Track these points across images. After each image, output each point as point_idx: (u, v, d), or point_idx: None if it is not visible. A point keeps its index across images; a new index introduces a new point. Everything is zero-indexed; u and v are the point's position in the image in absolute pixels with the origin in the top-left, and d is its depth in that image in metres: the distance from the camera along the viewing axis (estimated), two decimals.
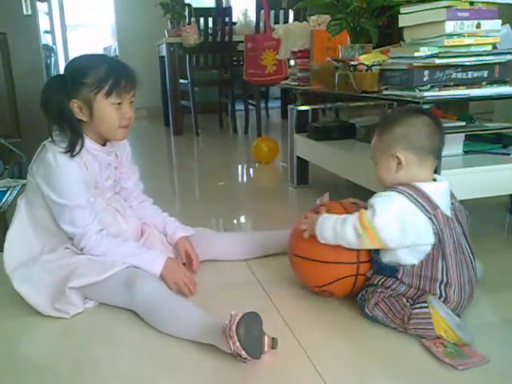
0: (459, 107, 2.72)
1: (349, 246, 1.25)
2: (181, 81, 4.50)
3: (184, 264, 1.58)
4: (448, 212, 1.23)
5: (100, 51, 6.21)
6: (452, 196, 1.28)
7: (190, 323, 1.23)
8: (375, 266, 1.29)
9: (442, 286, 1.20)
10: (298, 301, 1.41)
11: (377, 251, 1.27)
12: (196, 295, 1.42)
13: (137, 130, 4.82)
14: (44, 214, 1.42)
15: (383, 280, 1.26)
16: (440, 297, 1.20)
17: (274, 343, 1.15)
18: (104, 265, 1.36)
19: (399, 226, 1.18)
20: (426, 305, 1.16)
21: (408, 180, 1.24)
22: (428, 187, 1.21)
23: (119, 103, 1.38)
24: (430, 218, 1.19)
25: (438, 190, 1.23)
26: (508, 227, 1.97)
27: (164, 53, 4.52)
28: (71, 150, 1.36)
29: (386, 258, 1.26)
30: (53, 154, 1.35)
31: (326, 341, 1.22)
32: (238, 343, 1.08)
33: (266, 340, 1.13)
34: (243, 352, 1.08)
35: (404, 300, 1.21)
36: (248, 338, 1.10)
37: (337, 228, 1.24)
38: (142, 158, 3.82)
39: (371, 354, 1.16)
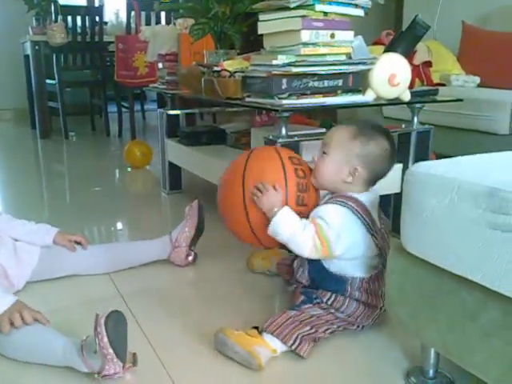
0: (328, 113, 2.83)
1: (297, 251, 1.21)
2: (48, 81, 4.25)
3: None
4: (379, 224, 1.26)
5: None
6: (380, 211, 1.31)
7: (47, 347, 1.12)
8: (319, 276, 1.26)
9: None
10: (160, 315, 1.36)
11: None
12: (53, 313, 1.32)
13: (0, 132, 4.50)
14: None
15: (332, 300, 1.23)
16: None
17: (134, 359, 1.10)
18: None
19: (346, 238, 1.19)
20: None
21: (342, 188, 1.24)
22: (364, 198, 1.23)
23: None
24: (372, 235, 1.22)
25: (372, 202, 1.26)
26: None
27: (29, 51, 4.24)
28: None
29: (332, 268, 1.24)
30: None
31: (188, 357, 1.18)
32: (106, 339, 1.00)
33: (127, 354, 1.07)
34: (110, 350, 1.00)
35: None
36: (117, 334, 1.02)
37: (296, 235, 1.18)
38: (3, 163, 3.56)
39: (232, 372, 1.13)
